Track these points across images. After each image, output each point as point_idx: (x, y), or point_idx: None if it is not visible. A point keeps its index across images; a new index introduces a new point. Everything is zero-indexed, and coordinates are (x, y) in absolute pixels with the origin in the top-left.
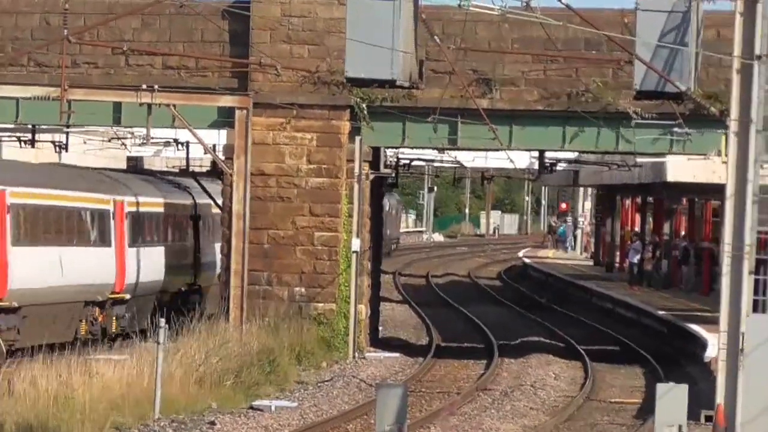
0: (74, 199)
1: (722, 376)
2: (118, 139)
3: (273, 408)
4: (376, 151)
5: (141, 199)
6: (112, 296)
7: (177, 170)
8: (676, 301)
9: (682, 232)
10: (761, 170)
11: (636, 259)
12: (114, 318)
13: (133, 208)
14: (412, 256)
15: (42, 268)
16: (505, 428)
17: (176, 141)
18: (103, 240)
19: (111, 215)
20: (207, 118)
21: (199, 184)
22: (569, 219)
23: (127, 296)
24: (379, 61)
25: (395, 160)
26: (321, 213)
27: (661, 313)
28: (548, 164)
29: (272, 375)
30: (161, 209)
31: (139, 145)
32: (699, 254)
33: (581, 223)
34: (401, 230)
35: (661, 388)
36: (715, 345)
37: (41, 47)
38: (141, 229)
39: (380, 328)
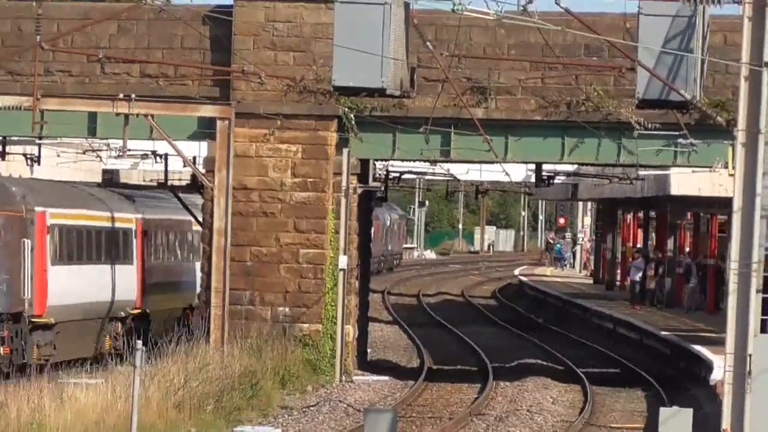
0: (102, 218)
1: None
2: (93, 151)
3: None
4: (364, 163)
5: (156, 216)
6: (133, 312)
7: (155, 184)
8: (680, 320)
9: (687, 248)
10: None
11: (638, 276)
12: (135, 333)
13: (148, 226)
14: (403, 274)
15: (75, 286)
16: None
17: (154, 153)
18: (127, 257)
19: (134, 233)
20: (186, 129)
21: (179, 199)
22: (567, 235)
23: (147, 311)
24: (368, 68)
25: (385, 172)
26: (306, 229)
27: (664, 333)
28: (546, 177)
29: (255, 399)
30: (173, 226)
31: (115, 157)
32: (704, 271)
33: (580, 239)
34: (404, 245)
35: (664, 412)
36: (721, 367)
37: (13, 55)
38: (155, 247)
39: (369, 350)
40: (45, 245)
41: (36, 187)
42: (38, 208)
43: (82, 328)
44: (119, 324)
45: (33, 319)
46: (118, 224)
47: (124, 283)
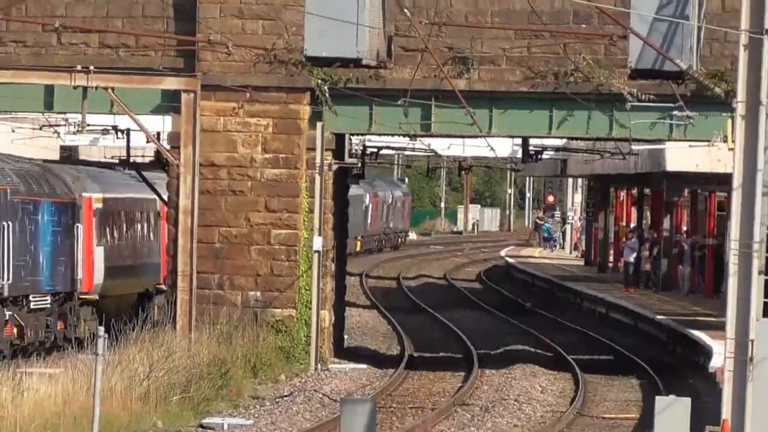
0: (134, 200)
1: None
2: (51, 126)
3: (225, 426)
4: (339, 138)
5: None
6: (158, 286)
7: (116, 161)
8: (677, 304)
9: (684, 228)
10: None
11: (632, 258)
12: (156, 307)
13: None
14: (382, 256)
15: (114, 263)
16: None
17: (115, 128)
18: (156, 236)
19: (158, 214)
20: (149, 103)
21: (142, 177)
22: (557, 213)
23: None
24: (343, 37)
25: (361, 148)
26: (278, 208)
27: (660, 317)
28: (533, 152)
29: (224, 389)
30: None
31: (74, 133)
32: (702, 252)
33: (570, 218)
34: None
35: (660, 402)
36: (720, 353)
37: None
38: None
39: (345, 336)
40: (92, 228)
41: (75, 173)
42: (85, 194)
43: (118, 303)
44: (146, 299)
45: (81, 296)
46: (148, 205)
47: (153, 260)
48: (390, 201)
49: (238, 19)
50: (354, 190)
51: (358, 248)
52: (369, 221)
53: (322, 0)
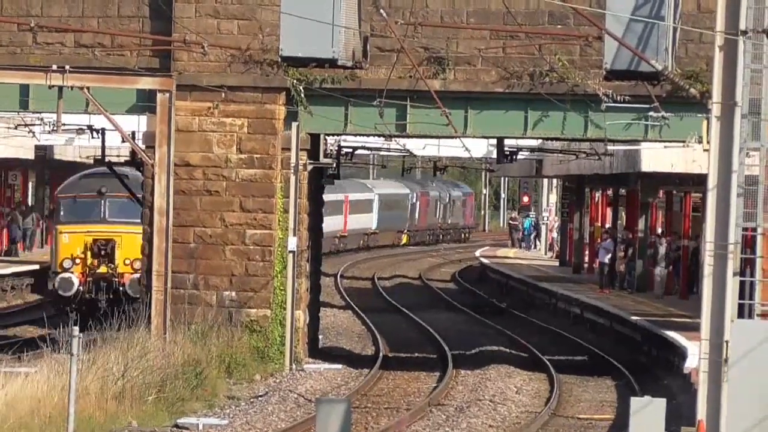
0: None
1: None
2: (26, 126)
3: (200, 426)
4: (315, 138)
5: None
6: None
7: (91, 161)
8: (652, 305)
9: (659, 229)
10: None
11: (607, 258)
12: None
13: None
14: (357, 256)
15: None
16: None
17: (90, 128)
18: None
19: None
20: (125, 102)
21: (117, 176)
22: (532, 214)
23: None
24: (318, 37)
25: (336, 148)
26: (253, 208)
27: (634, 318)
28: (508, 153)
29: (199, 389)
30: None
31: (49, 132)
32: (677, 253)
33: (545, 218)
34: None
35: (635, 402)
36: (695, 354)
37: None
38: None
39: (320, 336)
40: None
41: None
42: None
43: None
44: None
45: None
46: None
47: None
48: (447, 199)
49: (214, 18)
50: (398, 189)
51: (404, 241)
52: (417, 217)
53: (298, 0)
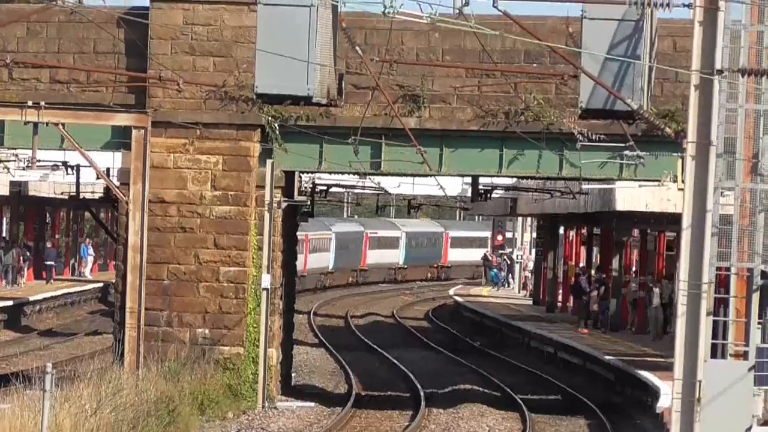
0: None
1: (676, 429)
2: (1, 162)
3: None
4: (289, 176)
5: None
6: None
7: (66, 197)
8: (625, 344)
9: (633, 268)
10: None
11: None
12: None
13: None
14: (330, 294)
15: None
16: None
17: (65, 164)
18: None
19: None
20: (100, 139)
21: (92, 213)
22: (506, 251)
23: None
24: (293, 75)
25: (311, 185)
26: (227, 245)
27: (608, 358)
28: (483, 191)
29: (171, 426)
30: None
31: (24, 168)
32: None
33: (519, 257)
34: None
35: None
36: (668, 394)
37: None
38: None
39: (293, 374)
40: None
41: None
42: None
43: None
44: None
45: None
46: None
47: None
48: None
49: (189, 55)
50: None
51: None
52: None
53: (274, 37)
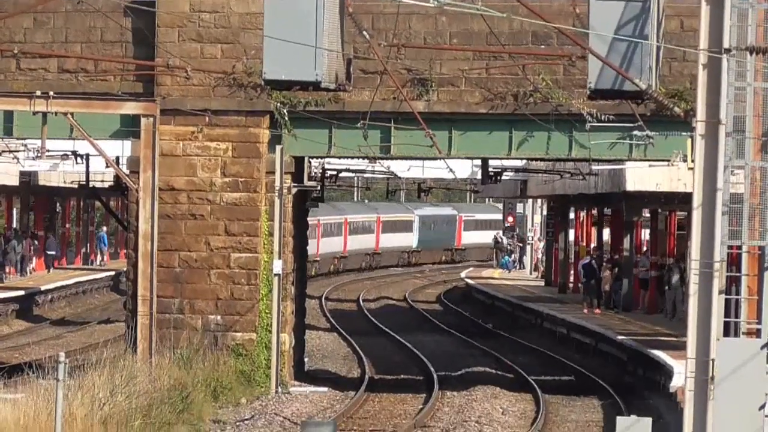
0: None
1: (690, 407)
2: (10, 152)
3: None
4: (299, 161)
5: None
6: None
7: (76, 186)
8: (638, 324)
9: (644, 248)
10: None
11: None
12: None
13: None
14: (342, 278)
15: None
16: None
17: (75, 153)
18: None
19: None
20: (109, 128)
21: (102, 202)
22: (516, 234)
23: None
24: (301, 60)
25: (321, 171)
26: (238, 232)
27: (620, 338)
28: (492, 173)
29: (185, 413)
30: None
31: (33, 158)
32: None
33: (530, 238)
34: None
35: (622, 422)
36: (681, 373)
37: None
38: None
39: (306, 359)
40: None
41: None
42: None
43: None
44: None
45: None
46: None
47: None
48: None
49: (197, 43)
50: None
51: None
52: None
53: (281, 23)
